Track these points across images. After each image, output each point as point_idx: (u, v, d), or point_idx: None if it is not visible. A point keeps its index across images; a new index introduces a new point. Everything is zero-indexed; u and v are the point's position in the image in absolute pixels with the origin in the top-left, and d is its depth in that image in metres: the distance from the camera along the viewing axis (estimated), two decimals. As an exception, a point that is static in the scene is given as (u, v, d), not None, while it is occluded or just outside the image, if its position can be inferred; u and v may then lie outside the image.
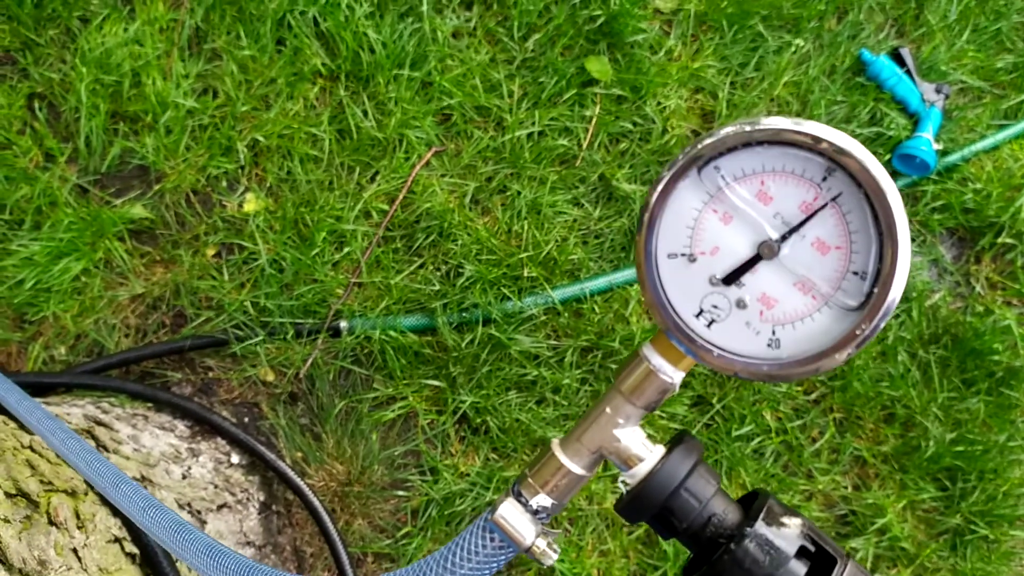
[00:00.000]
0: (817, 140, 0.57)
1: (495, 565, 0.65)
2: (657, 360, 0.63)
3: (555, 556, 0.64)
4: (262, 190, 1.71)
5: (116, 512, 1.08)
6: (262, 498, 1.56)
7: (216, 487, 1.45)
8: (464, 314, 1.65)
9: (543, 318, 1.67)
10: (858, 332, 0.57)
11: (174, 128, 1.70)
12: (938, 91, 1.83)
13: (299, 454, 1.64)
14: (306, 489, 1.54)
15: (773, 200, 0.59)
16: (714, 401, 1.70)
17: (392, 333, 1.63)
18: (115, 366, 1.61)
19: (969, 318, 1.77)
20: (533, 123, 1.75)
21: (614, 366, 1.67)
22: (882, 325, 0.56)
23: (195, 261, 1.67)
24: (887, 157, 1.80)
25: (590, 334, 1.67)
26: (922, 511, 1.72)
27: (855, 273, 0.58)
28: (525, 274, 1.67)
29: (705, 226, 0.61)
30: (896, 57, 1.84)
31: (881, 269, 0.57)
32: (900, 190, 1.77)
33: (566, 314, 1.67)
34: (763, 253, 0.59)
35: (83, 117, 1.70)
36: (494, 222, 1.72)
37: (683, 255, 0.61)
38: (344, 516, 1.62)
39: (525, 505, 0.64)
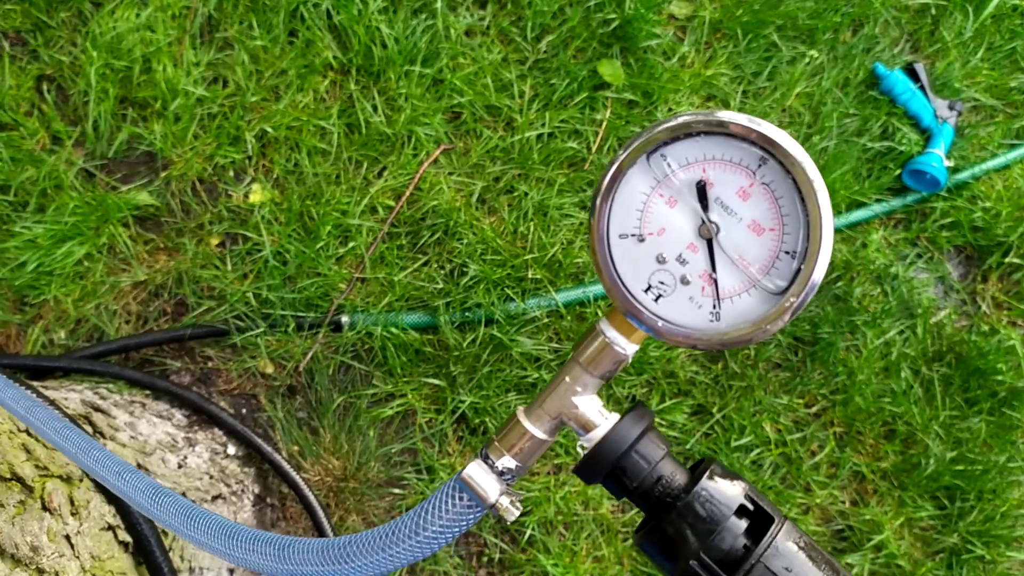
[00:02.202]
0: (749, 131, 0.63)
1: (463, 524, 0.69)
2: (612, 333, 0.68)
3: (517, 513, 0.69)
4: (268, 181, 1.70)
5: (110, 500, 1.08)
6: (257, 490, 1.55)
7: (211, 478, 1.44)
8: (467, 314, 1.64)
9: (546, 320, 1.66)
10: (787, 304, 0.63)
11: (183, 116, 1.69)
12: (951, 108, 1.82)
13: (295, 448, 1.63)
14: (301, 483, 1.53)
15: (714, 186, 0.65)
16: (714, 411, 1.69)
17: (394, 330, 1.62)
18: (114, 352, 1.60)
19: (974, 337, 1.76)
20: (543, 124, 1.74)
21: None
22: (808, 299, 0.63)
23: (199, 250, 1.66)
24: (897, 172, 1.79)
25: (592, 338, 1.66)
26: (920, 529, 1.71)
27: (787, 252, 0.64)
28: (529, 276, 1.66)
29: (653, 209, 0.67)
30: (910, 72, 1.83)
31: (808, 248, 0.63)
32: (910, 206, 1.76)
33: (569, 317, 1.67)
34: (702, 234, 0.65)
35: (92, 101, 1.69)
36: (500, 222, 1.71)
37: (633, 235, 0.67)
38: (338, 511, 1.61)
39: (491, 466, 0.70)
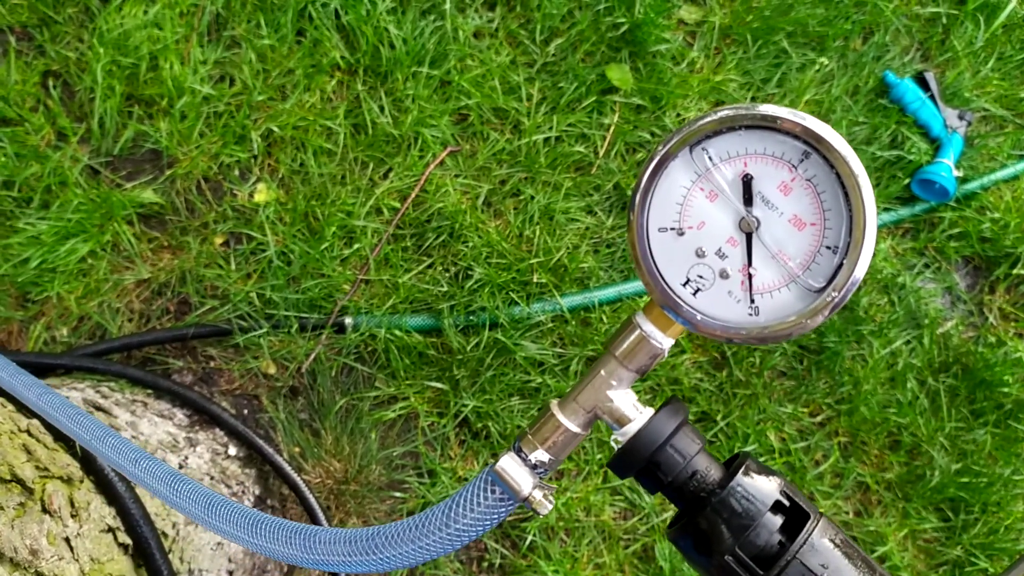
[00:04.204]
0: (794, 125, 0.63)
1: (495, 517, 0.69)
2: (648, 327, 0.68)
3: (550, 507, 0.68)
4: (274, 181, 1.70)
5: (111, 501, 1.07)
6: (257, 492, 1.55)
7: (212, 478, 1.43)
8: (471, 317, 1.63)
9: (550, 325, 1.65)
10: (828, 299, 0.63)
11: (189, 114, 1.69)
12: (961, 117, 1.81)
13: (297, 449, 1.62)
14: (302, 485, 1.52)
15: (755, 180, 0.65)
16: (718, 418, 1.68)
17: (397, 332, 1.61)
18: (117, 350, 1.59)
19: (981, 348, 1.75)
20: (550, 128, 1.73)
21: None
22: (850, 295, 0.63)
23: (203, 249, 1.65)
24: (906, 181, 1.78)
25: (597, 344, 1.65)
26: (923, 541, 1.70)
27: (828, 247, 0.64)
28: (534, 280, 1.65)
29: (693, 203, 0.66)
30: (920, 81, 1.82)
31: (851, 243, 0.63)
32: (918, 215, 1.75)
33: (574, 322, 1.66)
34: (743, 228, 0.65)
35: (98, 98, 1.68)
36: (506, 226, 1.70)
37: (672, 229, 0.67)
38: (339, 514, 1.61)
39: (524, 459, 0.69)
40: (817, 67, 1.82)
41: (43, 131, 1.68)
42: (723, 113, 0.64)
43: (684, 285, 0.67)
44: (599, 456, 1.65)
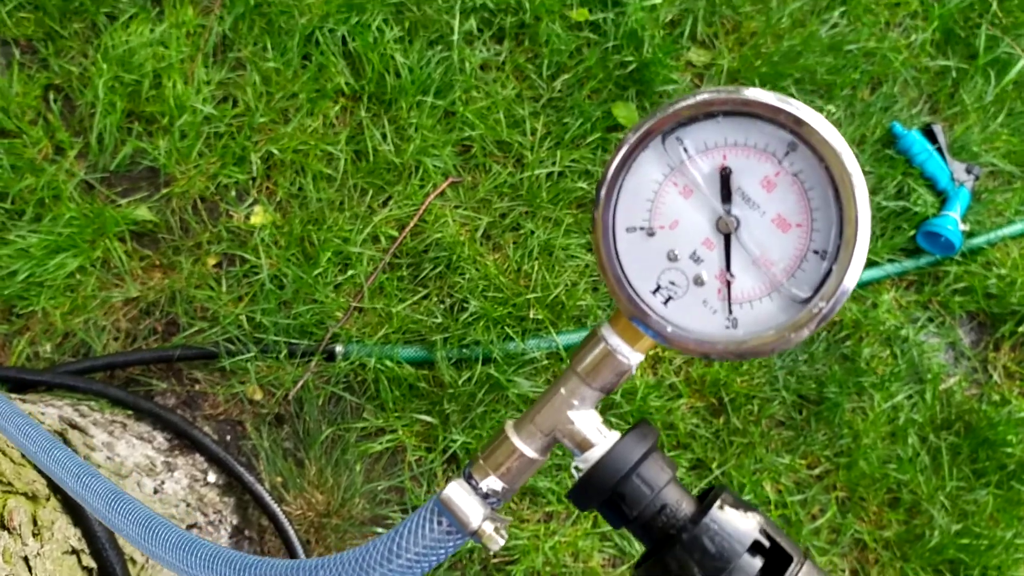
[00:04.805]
0: (778, 111, 0.56)
1: (442, 552, 0.62)
2: (614, 340, 0.62)
3: (502, 542, 0.62)
4: (271, 204, 1.67)
5: (76, 522, 1.02)
6: (235, 521, 1.50)
7: (188, 505, 1.38)
8: (464, 350, 1.60)
9: (545, 362, 1.62)
10: (815, 310, 0.56)
11: (189, 133, 1.67)
12: (968, 171, 1.79)
13: (279, 479, 1.57)
14: (282, 516, 1.47)
15: (735, 175, 0.59)
16: (713, 466, 1.64)
17: (388, 363, 1.57)
18: (100, 369, 1.55)
19: (984, 406, 1.71)
20: (554, 163, 1.71)
21: (613, 419, 1.61)
22: (839, 306, 0.56)
23: (195, 269, 1.62)
24: (912, 233, 1.76)
25: (592, 384, 1.61)
26: (921, 603, 1.64)
27: (815, 252, 0.57)
28: (531, 316, 1.62)
29: (665, 199, 0.60)
30: (928, 133, 1.81)
31: (841, 247, 0.56)
32: (923, 268, 1.72)
33: (569, 361, 1.62)
34: (720, 228, 0.59)
35: (98, 113, 1.66)
36: (504, 259, 1.68)
37: (642, 229, 0.60)
38: (318, 549, 1.55)
39: (475, 488, 0.63)
40: (824, 115, 1.81)
41: (41, 144, 1.66)
42: (702, 96, 0.57)
43: (654, 293, 0.60)
44: (589, 500, 1.60)
